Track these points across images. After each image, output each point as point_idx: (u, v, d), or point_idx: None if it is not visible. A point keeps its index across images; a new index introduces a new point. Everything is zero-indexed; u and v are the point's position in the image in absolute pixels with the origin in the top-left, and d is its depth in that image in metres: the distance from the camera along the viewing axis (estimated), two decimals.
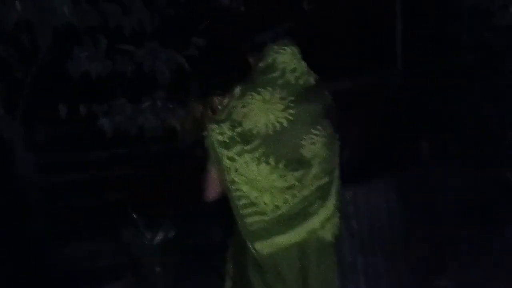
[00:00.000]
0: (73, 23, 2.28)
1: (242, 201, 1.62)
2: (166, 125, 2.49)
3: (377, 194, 2.58)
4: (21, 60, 2.65)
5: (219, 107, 2.01)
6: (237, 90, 1.69)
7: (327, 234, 1.70)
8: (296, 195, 1.62)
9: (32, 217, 3.19)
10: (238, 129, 1.61)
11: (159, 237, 2.55)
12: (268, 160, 1.60)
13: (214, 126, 1.64)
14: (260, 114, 1.61)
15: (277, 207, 1.62)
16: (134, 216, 2.58)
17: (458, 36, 3.53)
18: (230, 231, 1.78)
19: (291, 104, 1.63)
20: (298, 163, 1.62)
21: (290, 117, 1.61)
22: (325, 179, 1.68)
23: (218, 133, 1.62)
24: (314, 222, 1.65)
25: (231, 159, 1.60)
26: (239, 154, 1.60)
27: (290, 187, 1.62)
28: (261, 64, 1.70)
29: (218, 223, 2.82)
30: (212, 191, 1.70)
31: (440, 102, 3.63)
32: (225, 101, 1.74)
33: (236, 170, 1.60)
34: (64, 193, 3.28)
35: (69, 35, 2.50)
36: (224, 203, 1.67)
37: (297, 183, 1.62)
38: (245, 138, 1.61)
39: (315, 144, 1.64)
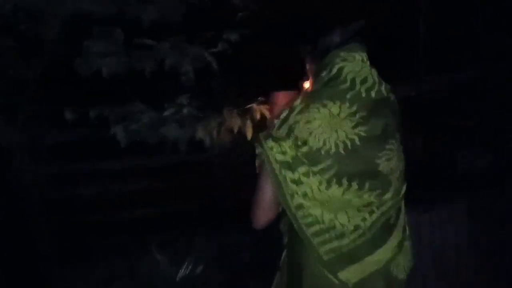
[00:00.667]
0: (84, 12, 1.95)
1: (314, 228, 1.46)
2: (192, 137, 2.07)
3: (443, 221, 2.14)
4: (22, 55, 2.28)
5: (267, 117, 1.76)
6: (297, 101, 1.49)
7: (400, 268, 1.56)
8: (375, 211, 1.48)
9: (35, 234, 2.82)
10: (304, 149, 1.43)
11: (184, 272, 2.13)
12: (341, 180, 1.44)
13: (272, 143, 1.44)
14: (329, 132, 1.44)
15: (357, 226, 1.47)
16: (157, 256, 2.17)
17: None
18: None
19: (362, 120, 1.46)
20: (376, 181, 1.48)
21: (363, 134, 1.46)
22: (400, 196, 1.56)
23: (278, 152, 1.43)
24: (399, 234, 1.54)
25: (297, 181, 1.43)
26: (306, 175, 1.43)
27: (367, 205, 1.48)
28: (324, 74, 1.50)
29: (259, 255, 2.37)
30: (264, 217, 1.51)
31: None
32: (283, 114, 1.49)
33: (304, 194, 1.44)
34: (71, 209, 2.91)
35: (79, 26, 2.14)
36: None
37: (375, 201, 1.48)
38: (313, 158, 1.43)
39: (390, 160, 1.50)
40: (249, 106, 2.16)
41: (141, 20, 2.22)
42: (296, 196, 1.43)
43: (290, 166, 1.43)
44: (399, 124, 1.57)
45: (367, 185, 1.46)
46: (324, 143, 1.42)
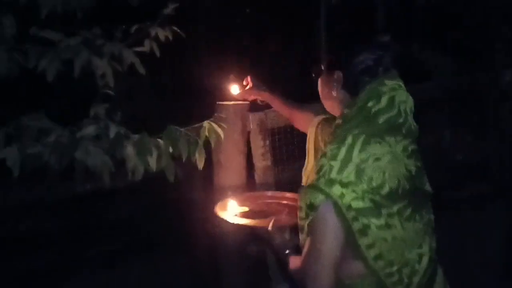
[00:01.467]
0: None
1: (394, 278, 1.35)
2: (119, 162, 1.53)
3: None
4: None
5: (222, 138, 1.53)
6: (348, 138, 1.33)
7: None
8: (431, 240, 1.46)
9: None
10: (384, 190, 1.31)
11: None
12: (416, 217, 1.38)
13: (343, 190, 1.28)
14: (397, 168, 1.35)
15: (419, 257, 1.39)
16: None
17: None
18: None
19: (414, 154, 1.41)
20: (426, 208, 1.45)
21: (419, 164, 1.42)
22: None
23: (355, 199, 1.28)
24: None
25: (385, 227, 1.30)
26: (391, 217, 1.32)
27: (424, 233, 1.42)
28: (371, 104, 1.36)
29: None
30: (329, 282, 1.32)
31: None
32: (340, 154, 1.31)
33: (394, 237, 1.32)
34: None
35: None
36: None
37: (428, 228, 1.45)
38: (392, 198, 1.32)
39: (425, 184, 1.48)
40: (198, 125, 1.68)
41: (41, 6, 1.66)
42: (378, 243, 1.30)
43: (373, 212, 1.28)
44: None
45: (423, 212, 1.44)
46: (399, 181, 1.33)
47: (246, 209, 1.78)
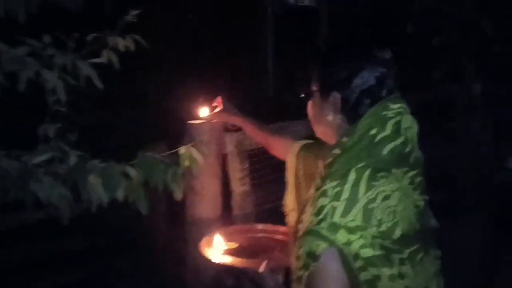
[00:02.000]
0: None
1: None
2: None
3: None
4: None
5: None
6: (352, 173, 1.12)
7: None
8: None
9: None
10: (396, 235, 1.11)
11: None
12: (424, 259, 1.20)
13: (350, 236, 1.07)
14: (407, 206, 1.17)
15: None
16: None
17: None
18: None
19: (420, 187, 1.23)
20: (434, 242, 1.29)
21: (426, 197, 1.26)
22: None
23: (363, 247, 1.07)
24: None
25: (398, 276, 1.11)
26: (402, 264, 1.13)
27: (436, 274, 1.26)
28: (374, 132, 1.17)
29: None
30: None
31: None
32: (344, 195, 1.11)
33: (406, 287, 1.13)
34: None
35: None
36: None
37: (436, 267, 1.28)
38: (403, 242, 1.13)
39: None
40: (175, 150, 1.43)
41: None
42: None
43: (385, 261, 1.08)
44: None
45: (431, 249, 1.26)
46: (410, 223, 1.15)
47: (234, 245, 1.52)
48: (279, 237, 1.61)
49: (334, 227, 1.08)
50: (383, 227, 1.10)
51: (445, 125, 3.83)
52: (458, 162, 3.62)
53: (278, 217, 2.53)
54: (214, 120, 1.92)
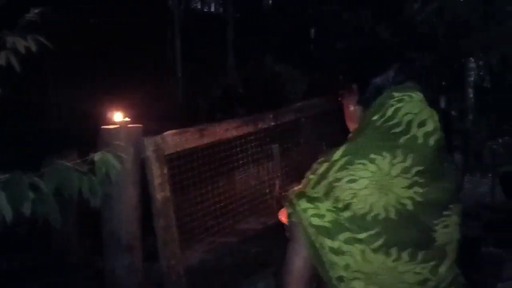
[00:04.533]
0: None
1: None
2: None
3: None
4: None
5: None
6: (338, 153, 1.21)
7: None
8: None
9: None
10: (347, 214, 1.17)
11: None
12: (390, 250, 1.19)
13: (307, 204, 1.18)
14: (378, 194, 1.18)
15: None
16: None
17: None
18: None
19: (420, 179, 1.20)
20: (430, 251, 1.23)
21: (418, 198, 1.20)
22: (457, 270, 1.29)
23: (314, 216, 1.17)
24: None
25: (337, 251, 1.18)
26: (349, 243, 1.18)
27: (423, 282, 1.22)
28: (376, 118, 1.24)
29: None
30: None
31: None
32: (321, 168, 1.21)
33: (346, 265, 1.18)
34: None
35: None
36: None
37: (431, 277, 1.22)
38: (357, 225, 1.17)
39: (448, 227, 1.24)
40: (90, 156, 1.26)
41: None
42: (336, 267, 1.18)
43: (329, 233, 1.18)
44: (459, 185, 1.29)
45: (419, 256, 1.21)
46: (371, 208, 1.17)
47: None
48: None
49: (302, 196, 1.21)
50: (340, 204, 1.17)
51: None
52: None
53: (201, 219, 2.44)
54: None
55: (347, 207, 1.16)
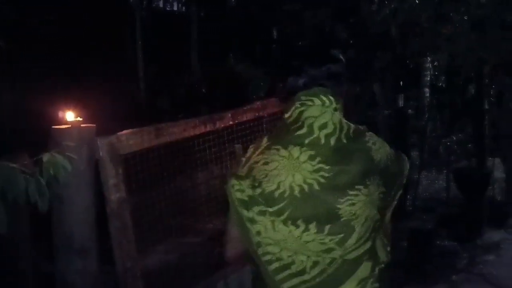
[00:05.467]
0: None
1: (274, 265, 1.42)
2: None
3: None
4: None
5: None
6: (264, 141, 1.47)
7: None
8: (336, 258, 1.41)
9: None
10: (258, 190, 1.39)
11: None
12: (297, 222, 1.38)
13: (234, 181, 1.42)
14: (285, 174, 1.39)
15: (316, 262, 1.41)
16: None
17: None
18: None
19: (324, 166, 1.40)
20: (337, 226, 1.40)
21: (322, 180, 1.39)
22: (369, 244, 1.44)
23: (238, 191, 1.41)
24: (366, 269, 1.45)
25: (251, 220, 1.40)
26: (261, 214, 1.39)
27: (328, 251, 1.40)
28: (286, 116, 1.47)
29: None
30: (232, 251, 1.53)
31: None
32: (249, 152, 1.48)
33: (259, 232, 1.40)
34: None
35: None
36: None
37: (337, 247, 1.40)
38: (267, 200, 1.39)
39: (354, 205, 1.40)
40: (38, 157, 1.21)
41: None
42: (252, 233, 1.40)
43: (246, 205, 1.40)
44: (375, 169, 1.43)
45: (326, 228, 1.38)
46: (278, 186, 1.38)
47: None
48: None
49: (232, 175, 1.44)
50: (255, 182, 1.38)
51: None
52: None
53: (157, 219, 2.39)
54: None
55: (260, 184, 1.38)
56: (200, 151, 2.62)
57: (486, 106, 5.14)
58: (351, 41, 3.91)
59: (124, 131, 1.92)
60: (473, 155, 5.49)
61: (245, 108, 2.87)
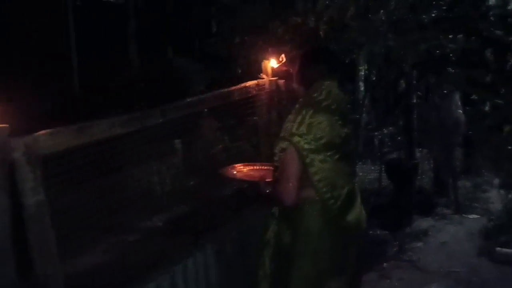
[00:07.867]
0: None
1: (325, 188, 2.23)
2: None
3: None
4: None
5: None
6: (305, 111, 2.25)
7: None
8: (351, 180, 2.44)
9: None
10: (323, 141, 2.21)
11: None
12: (341, 159, 2.28)
13: (299, 138, 2.18)
14: (332, 129, 2.25)
15: (342, 187, 2.29)
16: None
17: None
18: None
19: (344, 123, 2.33)
20: (351, 160, 2.59)
21: (346, 131, 2.33)
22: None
23: (305, 143, 2.18)
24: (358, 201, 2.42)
25: (323, 161, 2.21)
26: (327, 156, 2.23)
27: (349, 173, 2.42)
28: (316, 95, 2.30)
29: None
30: (294, 190, 2.18)
31: None
32: (298, 118, 2.24)
33: (325, 168, 2.21)
34: None
35: None
36: None
37: (350, 169, 2.46)
38: (328, 146, 2.23)
39: (348, 134, 2.38)
40: None
41: None
42: (320, 171, 2.19)
43: (318, 151, 2.19)
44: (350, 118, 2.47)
45: (349, 162, 2.39)
46: (332, 137, 2.24)
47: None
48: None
49: (292, 135, 2.19)
50: (317, 136, 2.18)
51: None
52: None
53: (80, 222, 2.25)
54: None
55: (321, 138, 2.18)
56: (130, 149, 2.52)
57: (414, 101, 5.36)
58: (286, 37, 3.92)
59: (42, 131, 1.79)
60: (402, 147, 5.68)
61: (177, 103, 2.79)
